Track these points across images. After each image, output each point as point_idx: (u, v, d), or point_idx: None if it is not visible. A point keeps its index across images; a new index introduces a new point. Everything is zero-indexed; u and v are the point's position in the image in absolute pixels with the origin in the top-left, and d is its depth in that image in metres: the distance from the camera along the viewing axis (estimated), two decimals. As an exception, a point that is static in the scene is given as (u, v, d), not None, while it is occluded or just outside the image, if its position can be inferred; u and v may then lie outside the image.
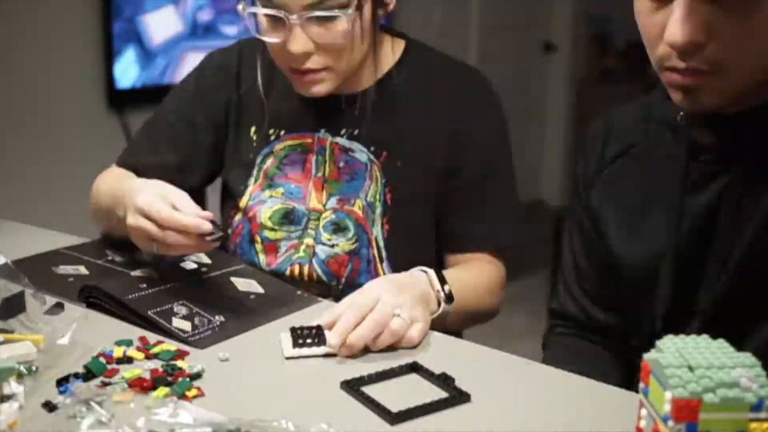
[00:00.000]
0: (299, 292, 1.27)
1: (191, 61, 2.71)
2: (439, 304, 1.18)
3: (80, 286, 1.21)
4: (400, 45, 1.40)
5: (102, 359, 1.01)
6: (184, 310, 1.15)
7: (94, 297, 1.19)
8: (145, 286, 1.20)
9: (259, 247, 1.39)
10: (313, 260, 1.36)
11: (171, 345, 1.07)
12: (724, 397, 0.68)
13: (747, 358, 0.71)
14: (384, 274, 1.35)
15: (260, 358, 1.06)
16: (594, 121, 1.21)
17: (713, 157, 1.01)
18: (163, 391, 0.94)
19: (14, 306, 1.08)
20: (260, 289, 1.25)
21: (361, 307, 1.07)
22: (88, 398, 0.90)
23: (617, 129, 1.15)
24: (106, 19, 2.89)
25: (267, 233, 1.38)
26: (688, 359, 0.71)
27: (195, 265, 1.29)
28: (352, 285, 1.29)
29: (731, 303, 0.99)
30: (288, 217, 1.38)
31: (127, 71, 2.97)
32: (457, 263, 1.39)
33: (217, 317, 1.14)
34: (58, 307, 1.16)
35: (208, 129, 1.43)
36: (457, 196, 1.37)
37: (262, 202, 1.39)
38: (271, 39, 1.27)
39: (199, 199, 1.29)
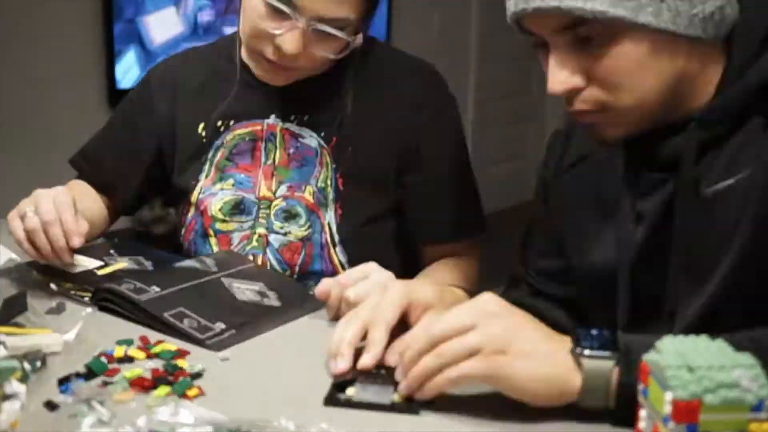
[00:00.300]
0: (312, 293, 1.26)
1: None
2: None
3: (94, 288, 1.21)
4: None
5: (103, 359, 1.01)
6: (192, 313, 1.14)
7: (107, 300, 1.18)
8: (158, 289, 1.18)
9: (213, 240, 1.40)
10: (267, 249, 1.37)
11: (171, 345, 1.07)
12: (724, 397, 0.68)
13: (746, 358, 0.71)
14: (337, 258, 1.37)
15: (260, 358, 1.06)
16: (560, 124, 1.21)
17: (656, 165, 1.01)
18: (163, 390, 0.95)
19: (15, 306, 1.09)
20: (272, 293, 1.24)
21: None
22: (89, 397, 0.90)
23: (578, 135, 1.16)
24: (107, 20, 2.90)
25: (219, 225, 1.39)
26: (688, 360, 0.71)
27: (198, 265, 1.29)
28: (306, 273, 1.35)
29: (714, 312, 0.98)
30: (238, 208, 1.39)
31: (129, 72, 2.97)
32: (436, 254, 1.44)
33: (224, 324, 1.12)
34: (60, 307, 1.16)
35: (150, 136, 1.48)
36: (421, 188, 1.40)
37: (213, 195, 1.40)
38: (267, 27, 1.27)
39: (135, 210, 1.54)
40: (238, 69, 1.41)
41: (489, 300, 0.94)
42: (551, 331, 0.93)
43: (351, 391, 0.95)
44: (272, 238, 1.37)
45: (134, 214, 1.64)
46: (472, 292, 1.15)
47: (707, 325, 0.94)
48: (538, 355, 0.89)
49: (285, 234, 1.37)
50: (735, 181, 0.95)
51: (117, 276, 1.28)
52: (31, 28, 2.76)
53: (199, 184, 1.42)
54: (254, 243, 1.38)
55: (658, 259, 1.02)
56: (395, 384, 0.95)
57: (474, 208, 1.46)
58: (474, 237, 1.46)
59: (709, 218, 0.97)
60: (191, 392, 0.95)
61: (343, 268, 1.36)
